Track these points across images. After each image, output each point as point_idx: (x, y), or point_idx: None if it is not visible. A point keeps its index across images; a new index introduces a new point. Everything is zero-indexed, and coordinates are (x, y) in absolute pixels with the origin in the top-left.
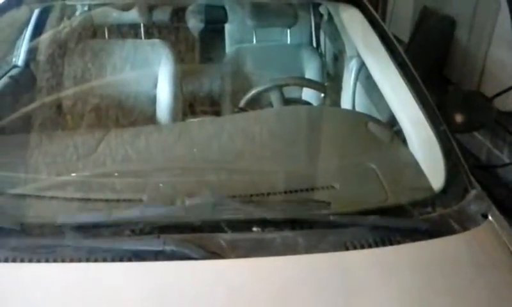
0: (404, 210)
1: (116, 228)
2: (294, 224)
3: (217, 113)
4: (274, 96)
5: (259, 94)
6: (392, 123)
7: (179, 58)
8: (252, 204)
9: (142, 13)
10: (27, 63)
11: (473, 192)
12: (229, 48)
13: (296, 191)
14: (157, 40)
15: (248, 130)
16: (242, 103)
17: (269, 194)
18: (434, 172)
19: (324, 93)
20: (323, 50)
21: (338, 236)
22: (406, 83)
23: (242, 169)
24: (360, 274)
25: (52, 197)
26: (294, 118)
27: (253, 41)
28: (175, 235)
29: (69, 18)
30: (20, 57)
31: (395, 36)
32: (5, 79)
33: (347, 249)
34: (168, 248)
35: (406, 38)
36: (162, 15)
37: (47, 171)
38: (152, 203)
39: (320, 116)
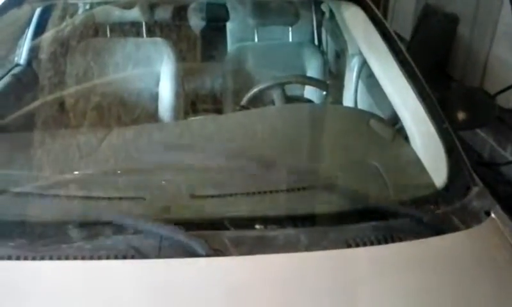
0: (407, 207)
1: (118, 226)
2: (296, 221)
3: (219, 111)
4: (276, 94)
5: (261, 92)
6: (394, 121)
7: (181, 56)
8: (254, 202)
9: (144, 12)
10: (29, 62)
11: (475, 190)
12: (231, 46)
13: (298, 189)
14: (158, 38)
15: (250, 128)
16: (244, 101)
17: (271, 191)
18: (437, 169)
19: (326, 90)
20: (325, 48)
21: (340, 233)
22: (408, 80)
23: (244, 167)
24: (362, 271)
25: (55, 195)
26: (296, 116)
27: (254, 40)
28: (178, 232)
29: (71, 16)
30: (22, 55)
31: (397, 34)
32: (7, 78)
33: (349, 246)
34: (170, 245)
35: (408, 35)
36: (163, 13)
37: (50, 169)
38: (155, 200)
39: (322, 113)
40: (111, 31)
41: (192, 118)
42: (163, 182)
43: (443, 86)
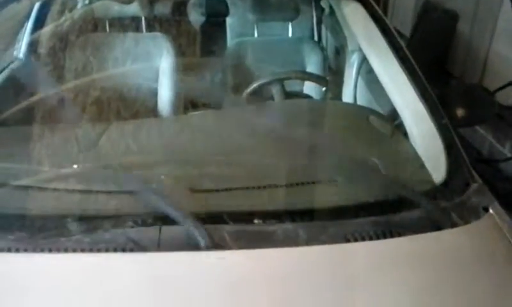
0: (405, 202)
1: (118, 219)
2: (294, 216)
3: (218, 106)
4: (275, 90)
5: (260, 87)
6: (393, 117)
7: (180, 51)
8: (253, 196)
9: (143, 6)
10: (28, 56)
11: (474, 186)
12: (230, 41)
13: (297, 184)
14: (158, 33)
15: (249, 123)
16: (243, 96)
17: (270, 186)
18: (436, 165)
19: (326, 86)
20: (325, 43)
21: (339, 228)
22: (407, 77)
23: (244, 162)
24: (360, 266)
25: (54, 189)
26: (295, 112)
27: (254, 35)
28: (177, 225)
29: (70, 11)
30: (21, 50)
31: (396, 30)
32: (6, 72)
33: (347, 241)
34: (170, 239)
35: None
36: (163, 8)
37: (49, 162)
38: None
39: (321, 109)
40: (110, 25)
41: (192, 113)
42: (162, 176)
43: (443, 82)
